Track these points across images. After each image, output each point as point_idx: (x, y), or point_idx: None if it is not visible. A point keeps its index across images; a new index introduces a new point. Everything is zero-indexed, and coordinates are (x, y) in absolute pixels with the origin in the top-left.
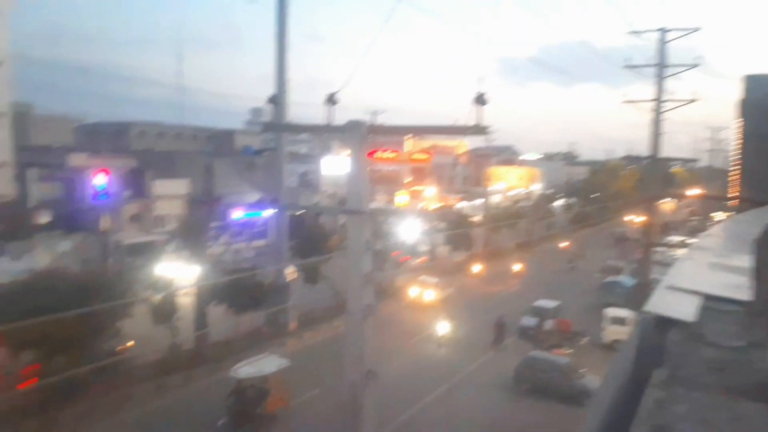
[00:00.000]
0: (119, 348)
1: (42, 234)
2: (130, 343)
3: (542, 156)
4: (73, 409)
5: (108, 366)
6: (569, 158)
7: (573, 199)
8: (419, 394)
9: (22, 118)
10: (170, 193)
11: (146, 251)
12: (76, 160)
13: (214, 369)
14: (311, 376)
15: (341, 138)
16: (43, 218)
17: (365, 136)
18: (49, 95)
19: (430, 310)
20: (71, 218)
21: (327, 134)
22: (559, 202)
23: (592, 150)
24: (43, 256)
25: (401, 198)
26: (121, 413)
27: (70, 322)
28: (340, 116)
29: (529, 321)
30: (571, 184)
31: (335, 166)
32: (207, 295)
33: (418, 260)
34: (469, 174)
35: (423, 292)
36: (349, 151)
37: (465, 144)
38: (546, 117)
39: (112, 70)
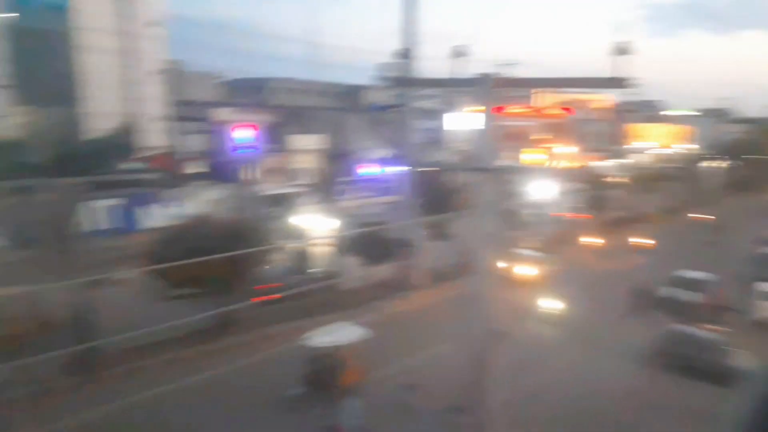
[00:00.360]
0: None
1: (193, 183)
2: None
3: (693, 112)
4: (222, 342)
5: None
6: (725, 115)
7: (727, 162)
8: (543, 363)
9: (172, 75)
10: (304, 148)
11: (284, 202)
12: (220, 114)
13: (343, 316)
14: (422, 337)
15: (469, 93)
16: (194, 168)
17: (493, 89)
18: (192, 51)
19: (539, 286)
20: (218, 169)
21: (454, 88)
22: (711, 164)
23: (752, 106)
24: (194, 204)
25: (530, 156)
26: (258, 353)
27: (220, 263)
28: (469, 70)
29: (670, 292)
30: (726, 143)
31: (460, 122)
32: (340, 246)
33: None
34: (608, 131)
35: (520, 267)
36: (474, 107)
37: (604, 98)
38: (699, 69)
39: (245, 25)
